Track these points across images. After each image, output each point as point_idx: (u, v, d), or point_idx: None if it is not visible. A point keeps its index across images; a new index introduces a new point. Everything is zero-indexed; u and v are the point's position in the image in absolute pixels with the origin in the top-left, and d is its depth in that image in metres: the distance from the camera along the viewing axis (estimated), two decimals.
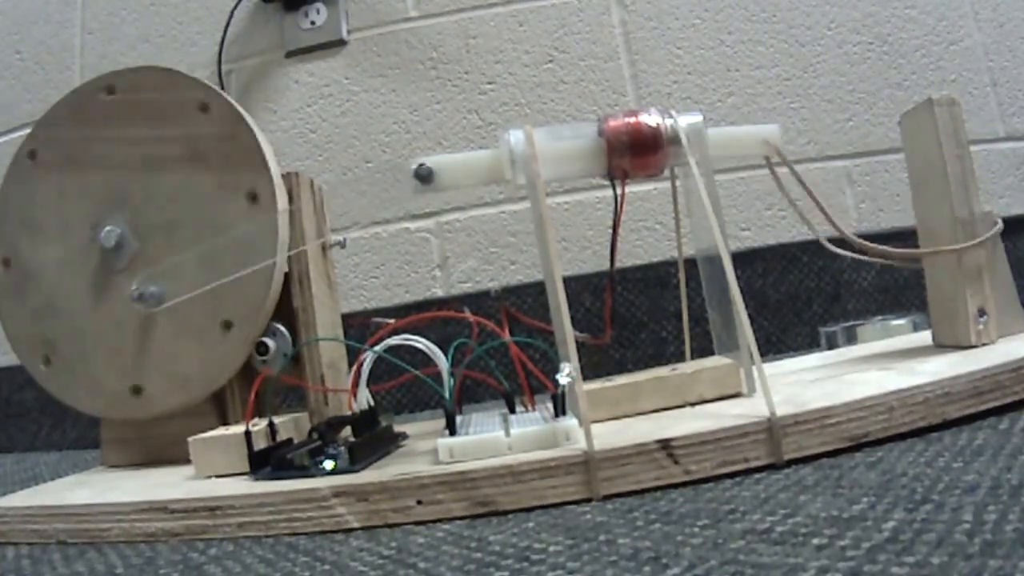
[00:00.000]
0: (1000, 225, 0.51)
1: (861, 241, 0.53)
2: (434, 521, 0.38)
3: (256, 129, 0.57)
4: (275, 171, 0.56)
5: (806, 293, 0.92)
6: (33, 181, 0.60)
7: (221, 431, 0.50)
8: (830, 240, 0.53)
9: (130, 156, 0.58)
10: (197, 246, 0.56)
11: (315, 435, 0.48)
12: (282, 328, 0.57)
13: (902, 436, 0.40)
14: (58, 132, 0.60)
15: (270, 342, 0.56)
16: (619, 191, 0.51)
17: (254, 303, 0.55)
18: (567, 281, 0.52)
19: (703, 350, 0.58)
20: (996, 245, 0.52)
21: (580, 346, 0.45)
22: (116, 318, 0.57)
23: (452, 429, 0.42)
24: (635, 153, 0.50)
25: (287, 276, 0.57)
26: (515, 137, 0.50)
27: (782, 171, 0.54)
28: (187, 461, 0.49)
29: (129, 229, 0.58)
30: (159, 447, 0.57)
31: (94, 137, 0.59)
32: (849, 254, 0.53)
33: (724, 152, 0.54)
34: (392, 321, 0.53)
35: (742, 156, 0.56)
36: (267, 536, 0.40)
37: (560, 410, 0.42)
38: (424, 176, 0.51)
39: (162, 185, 0.57)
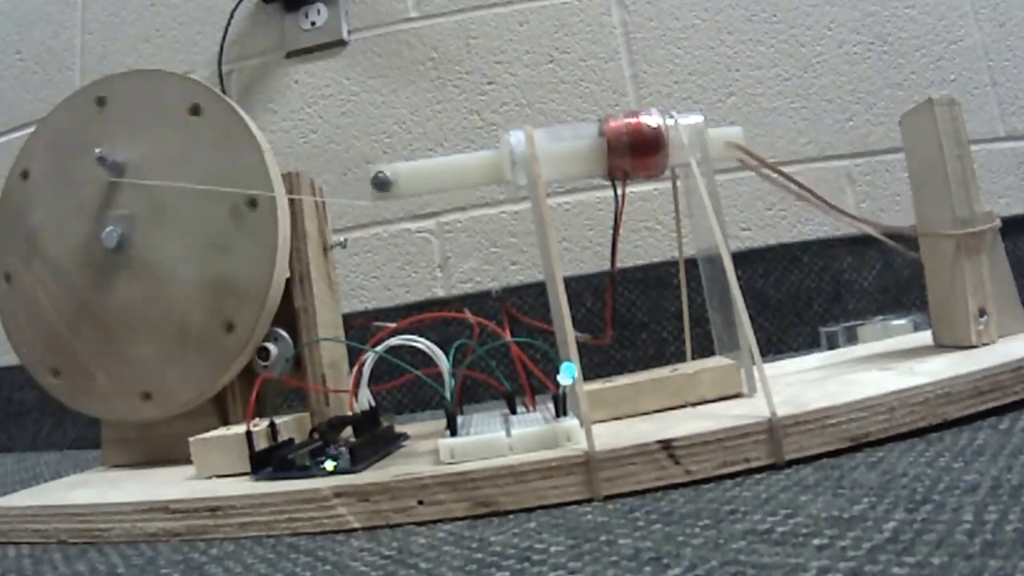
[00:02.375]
0: (998, 222, 0.51)
1: (863, 221, 0.52)
2: (435, 521, 0.38)
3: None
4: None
5: (807, 293, 0.92)
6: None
7: (222, 431, 0.50)
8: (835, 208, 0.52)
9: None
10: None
11: (316, 435, 0.48)
12: (283, 333, 0.57)
13: (903, 436, 0.40)
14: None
15: (272, 347, 0.56)
16: (620, 191, 0.51)
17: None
18: (568, 281, 0.52)
19: (704, 350, 0.58)
20: (996, 245, 0.52)
21: (581, 346, 0.45)
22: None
23: (453, 429, 0.42)
24: (636, 154, 0.50)
25: (288, 277, 0.57)
26: (516, 138, 0.50)
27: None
28: (188, 461, 0.49)
29: (130, 230, 0.58)
30: (160, 447, 0.57)
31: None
32: (856, 225, 0.52)
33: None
34: (393, 324, 0.53)
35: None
36: (268, 536, 0.40)
37: (561, 410, 0.42)
38: (381, 183, 0.51)
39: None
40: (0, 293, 0.61)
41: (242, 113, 0.57)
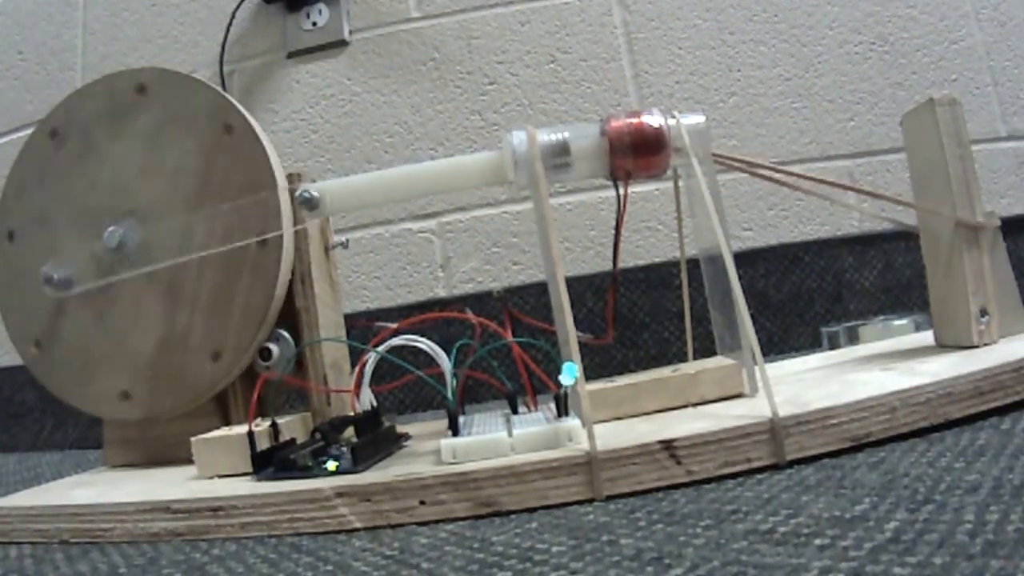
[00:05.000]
0: (998, 223, 0.51)
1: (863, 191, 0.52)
2: (437, 521, 0.38)
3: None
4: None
5: (808, 293, 0.92)
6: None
7: (224, 431, 0.50)
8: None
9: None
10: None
11: (318, 435, 0.48)
12: (285, 333, 0.57)
13: (904, 436, 0.40)
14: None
15: (273, 347, 0.56)
16: (622, 191, 0.51)
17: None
18: (569, 281, 0.52)
19: (705, 350, 0.58)
20: (997, 245, 0.52)
21: (583, 346, 0.45)
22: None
23: (455, 430, 0.42)
24: (637, 154, 0.50)
25: (290, 278, 0.57)
26: (517, 138, 0.50)
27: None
28: (190, 461, 0.49)
29: (134, 232, 0.58)
30: (161, 447, 0.58)
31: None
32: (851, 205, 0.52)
33: None
34: (395, 324, 0.53)
35: None
36: (270, 536, 0.40)
37: (563, 411, 0.42)
38: (307, 202, 0.50)
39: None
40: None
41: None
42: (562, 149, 0.50)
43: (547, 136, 0.50)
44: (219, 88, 0.58)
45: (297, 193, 0.50)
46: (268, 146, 0.57)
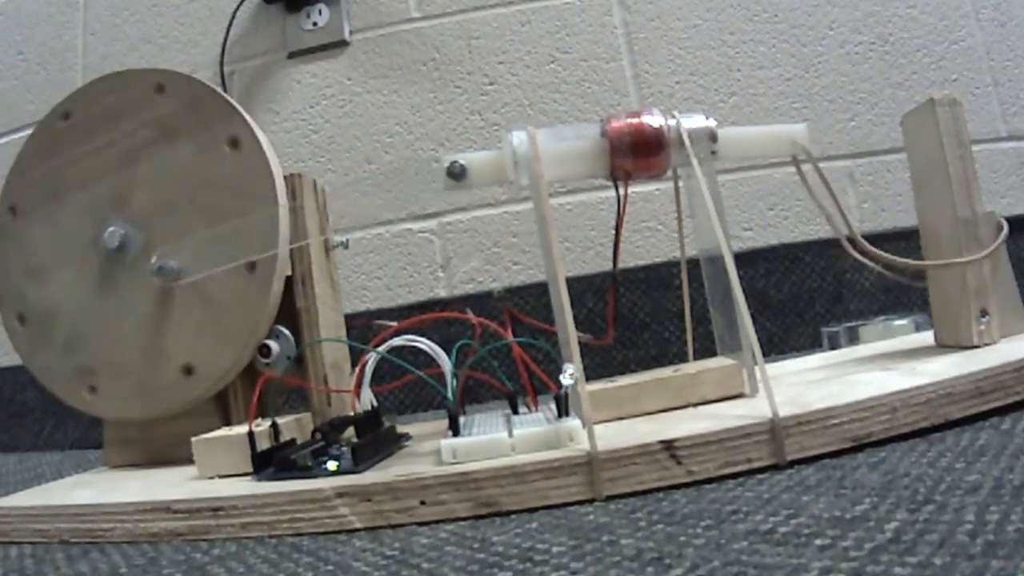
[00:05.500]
0: (1006, 231, 0.51)
1: (875, 251, 0.52)
2: (437, 522, 0.38)
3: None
4: (247, 116, 0.57)
5: (808, 293, 0.92)
6: (22, 232, 0.61)
7: (224, 431, 0.50)
8: (848, 239, 0.52)
9: (106, 162, 0.59)
10: (204, 220, 0.56)
11: (318, 436, 0.48)
12: (285, 331, 0.57)
13: (904, 436, 0.40)
14: (30, 177, 0.61)
15: (273, 344, 0.56)
16: (622, 192, 0.51)
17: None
18: (570, 282, 0.52)
19: (706, 351, 0.58)
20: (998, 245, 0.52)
21: (583, 347, 0.45)
22: (135, 316, 0.58)
23: (455, 430, 0.42)
24: (638, 154, 0.50)
25: (289, 277, 0.57)
26: (518, 138, 0.50)
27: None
28: (190, 461, 0.49)
29: (129, 225, 0.58)
30: (162, 447, 0.58)
31: (66, 164, 0.59)
32: (857, 256, 0.52)
33: (750, 152, 0.53)
34: (395, 324, 0.53)
35: (767, 155, 0.56)
36: (270, 536, 0.40)
37: (563, 411, 0.42)
38: (457, 173, 0.51)
39: (145, 171, 0.58)
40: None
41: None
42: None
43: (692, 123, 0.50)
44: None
45: (449, 163, 0.51)
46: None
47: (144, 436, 0.59)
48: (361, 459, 0.43)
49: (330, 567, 0.33)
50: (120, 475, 0.55)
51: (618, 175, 0.51)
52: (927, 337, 0.58)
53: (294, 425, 0.52)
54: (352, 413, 0.50)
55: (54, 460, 0.89)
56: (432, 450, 0.45)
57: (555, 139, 0.51)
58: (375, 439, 0.47)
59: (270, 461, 0.45)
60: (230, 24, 1.00)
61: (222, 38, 1.00)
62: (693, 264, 0.57)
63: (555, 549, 0.31)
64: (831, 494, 0.33)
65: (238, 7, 1.00)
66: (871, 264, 0.52)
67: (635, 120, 0.50)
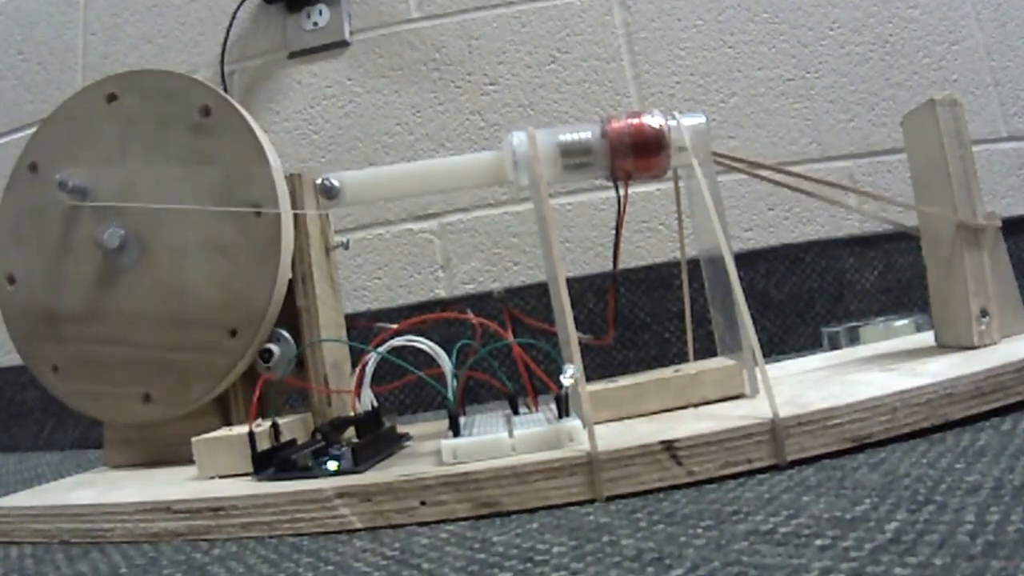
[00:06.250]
0: (999, 222, 0.51)
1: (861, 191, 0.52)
2: (437, 522, 0.38)
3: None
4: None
5: (809, 294, 0.92)
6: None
7: (225, 432, 0.50)
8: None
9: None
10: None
11: (319, 436, 0.48)
12: (285, 334, 0.57)
13: (905, 437, 0.40)
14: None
15: (274, 348, 0.56)
16: (622, 192, 0.51)
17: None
18: (570, 282, 0.52)
19: (706, 351, 0.58)
20: (998, 245, 0.52)
21: (583, 347, 0.45)
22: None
23: (456, 430, 0.42)
24: (638, 154, 0.50)
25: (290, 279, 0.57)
26: (518, 138, 0.50)
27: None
28: (190, 461, 0.49)
29: (132, 231, 0.58)
30: (162, 447, 0.57)
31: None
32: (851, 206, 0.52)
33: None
34: (395, 325, 0.53)
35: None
36: (271, 537, 0.40)
37: (563, 411, 0.42)
38: (328, 190, 0.54)
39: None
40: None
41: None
42: (583, 149, 0.50)
43: (568, 136, 0.50)
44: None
45: (319, 181, 0.53)
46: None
47: (144, 436, 0.59)
48: (361, 459, 0.43)
49: (330, 567, 0.33)
50: (120, 475, 0.55)
51: (618, 175, 0.51)
52: (927, 337, 0.58)
53: (294, 425, 0.52)
54: (352, 413, 0.50)
55: (54, 460, 0.89)
56: (432, 450, 0.45)
57: (555, 139, 0.51)
58: (375, 439, 0.47)
59: (270, 461, 0.45)
60: (230, 24, 1.00)
61: (222, 38, 1.00)
62: (693, 264, 0.57)
63: (555, 549, 0.31)
64: (831, 494, 0.33)
65: (238, 7, 1.00)
66: (864, 202, 0.52)
67: (635, 120, 0.50)
